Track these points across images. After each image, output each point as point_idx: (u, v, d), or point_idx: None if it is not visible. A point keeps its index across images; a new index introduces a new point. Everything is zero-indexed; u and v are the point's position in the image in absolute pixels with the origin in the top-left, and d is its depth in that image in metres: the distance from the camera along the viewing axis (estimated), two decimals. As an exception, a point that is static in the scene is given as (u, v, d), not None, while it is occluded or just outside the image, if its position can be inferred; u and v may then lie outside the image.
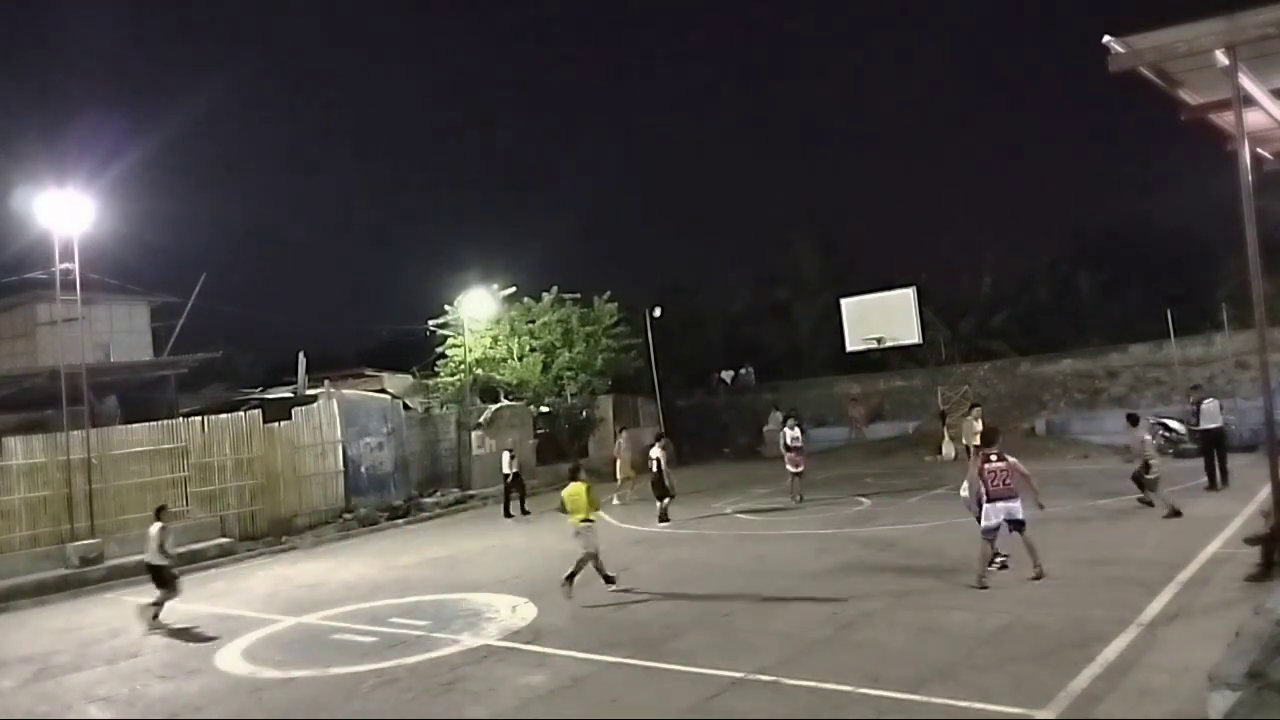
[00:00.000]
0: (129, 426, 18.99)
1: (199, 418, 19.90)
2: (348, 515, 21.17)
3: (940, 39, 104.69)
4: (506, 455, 21.56)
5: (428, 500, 23.25)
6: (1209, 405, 16.52)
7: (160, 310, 27.25)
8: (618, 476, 21.37)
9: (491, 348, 28.51)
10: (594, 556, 11.40)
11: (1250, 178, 9.02)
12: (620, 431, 23.22)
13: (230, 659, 10.09)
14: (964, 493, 11.40)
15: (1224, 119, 10.16)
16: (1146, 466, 14.08)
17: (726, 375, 39.96)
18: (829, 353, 33.24)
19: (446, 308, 28.46)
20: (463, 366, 27.81)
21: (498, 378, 28.51)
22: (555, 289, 29.36)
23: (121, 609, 13.75)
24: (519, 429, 27.18)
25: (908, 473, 22.16)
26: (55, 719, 8.71)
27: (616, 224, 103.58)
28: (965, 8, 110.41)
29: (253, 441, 20.13)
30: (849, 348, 28.17)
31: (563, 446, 28.40)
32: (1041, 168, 78.58)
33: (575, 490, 11.55)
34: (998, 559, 10.87)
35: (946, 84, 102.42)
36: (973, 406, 16.67)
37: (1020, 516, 10.23)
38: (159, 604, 12.00)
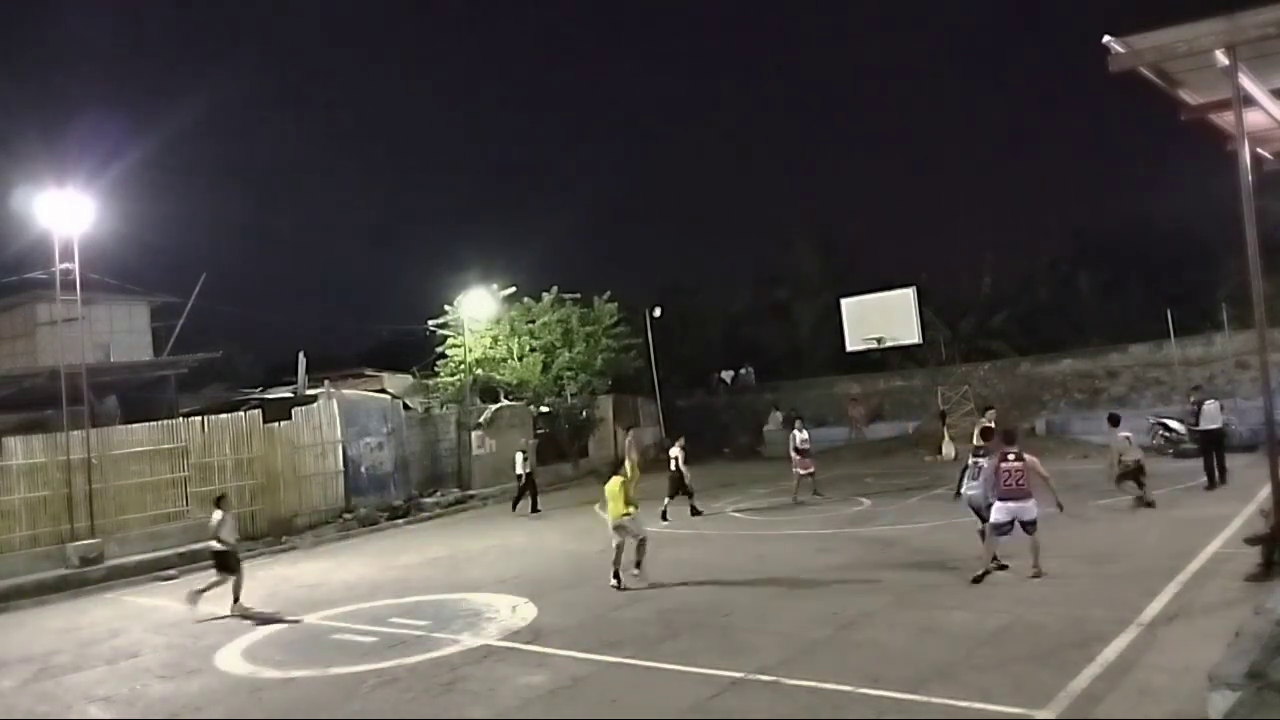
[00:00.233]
0: (129, 426, 18.99)
1: (199, 418, 19.90)
2: (348, 515, 21.17)
3: (940, 39, 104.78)
4: (520, 456, 21.78)
5: (428, 500, 23.26)
6: (1210, 406, 16.63)
7: (160, 310, 27.25)
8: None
9: (491, 348, 28.52)
10: (636, 540, 12.01)
11: (1250, 178, 9.03)
12: (628, 430, 23.38)
13: (230, 659, 10.08)
14: (966, 490, 11.45)
15: (1224, 119, 10.17)
16: (1140, 468, 14.49)
17: (726, 375, 39.97)
18: (829, 353, 33.24)
19: (446, 308, 28.47)
20: (463, 366, 27.81)
21: (498, 378, 28.51)
22: (555, 289, 29.40)
23: (121, 609, 13.79)
24: (519, 429, 27.19)
25: (908, 473, 22.16)
26: (55, 719, 8.71)
27: (616, 224, 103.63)
28: (965, 7, 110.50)
29: (253, 441, 20.13)
30: (849, 348, 28.17)
31: (563, 446, 28.42)
32: (1041, 168, 78.62)
33: (614, 485, 12.19)
34: (996, 560, 10.88)
35: (946, 84, 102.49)
36: (986, 409, 16.62)
37: (1031, 517, 10.23)
38: (210, 587, 12.56)
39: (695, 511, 17.73)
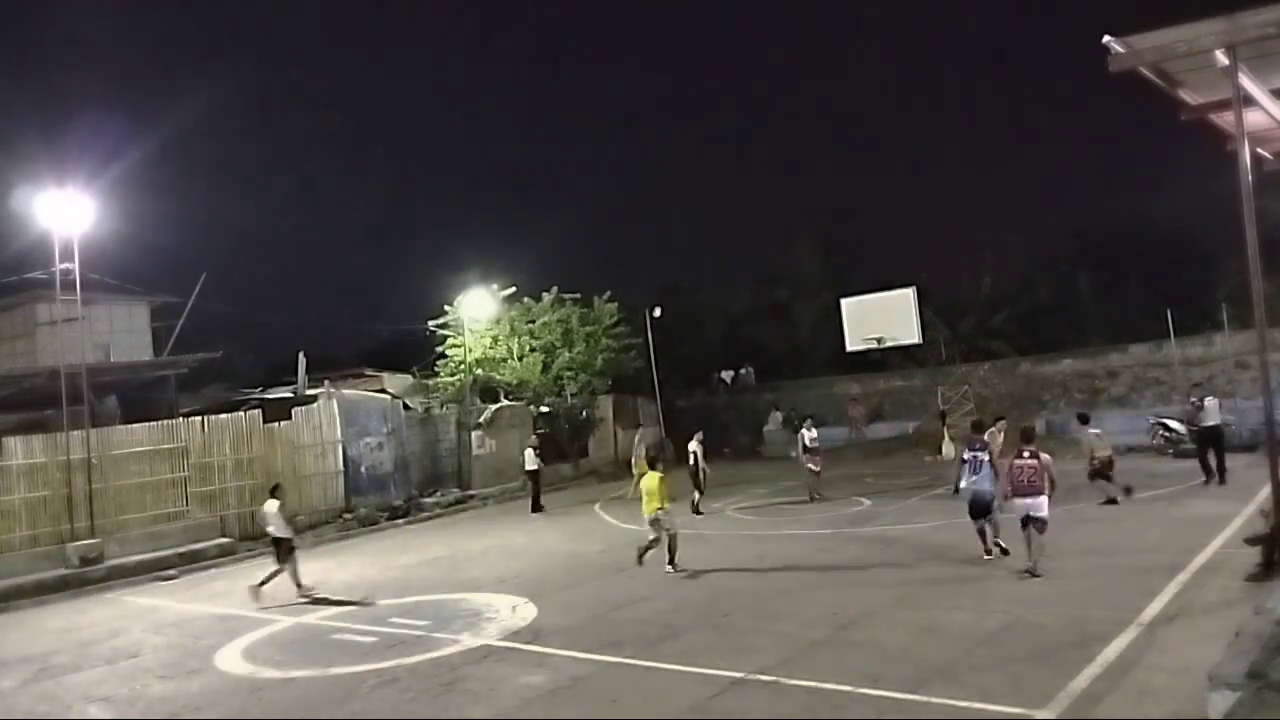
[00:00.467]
0: (129, 426, 18.98)
1: (199, 418, 19.89)
2: (348, 515, 21.17)
3: (940, 38, 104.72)
4: (530, 452, 22.01)
5: (428, 500, 23.26)
6: (1210, 403, 16.92)
7: (160, 310, 27.23)
8: (634, 473, 21.60)
9: (491, 348, 28.51)
10: (669, 536, 12.53)
11: (1250, 178, 9.04)
12: (638, 430, 23.82)
13: (230, 659, 10.09)
14: (965, 484, 11.59)
15: (1224, 119, 10.17)
16: (1110, 463, 15.15)
17: (726, 375, 39.95)
18: (829, 353, 33.22)
19: (446, 308, 28.45)
20: (463, 366, 27.81)
21: (498, 378, 28.51)
22: (555, 289, 29.37)
23: (121, 609, 13.79)
24: (519, 429, 27.19)
25: (908, 473, 22.17)
26: (55, 719, 8.71)
27: (616, 224, 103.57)
28: (965, 7, 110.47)
29: (253, 441, 20.13)
30: (849, 348, 28.16)
31: (563, 446, 28.41)
32: (1041, 168, 78.46)
33: (651, 479, 12.69)
34: (996, 549, 11.36)
35: (946, 84, 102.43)
36: (997, 419, 16.80)
37: (1042, 514, 10.42)
38: (270, 577, 12.91)
39: (695, 510, 17.82)
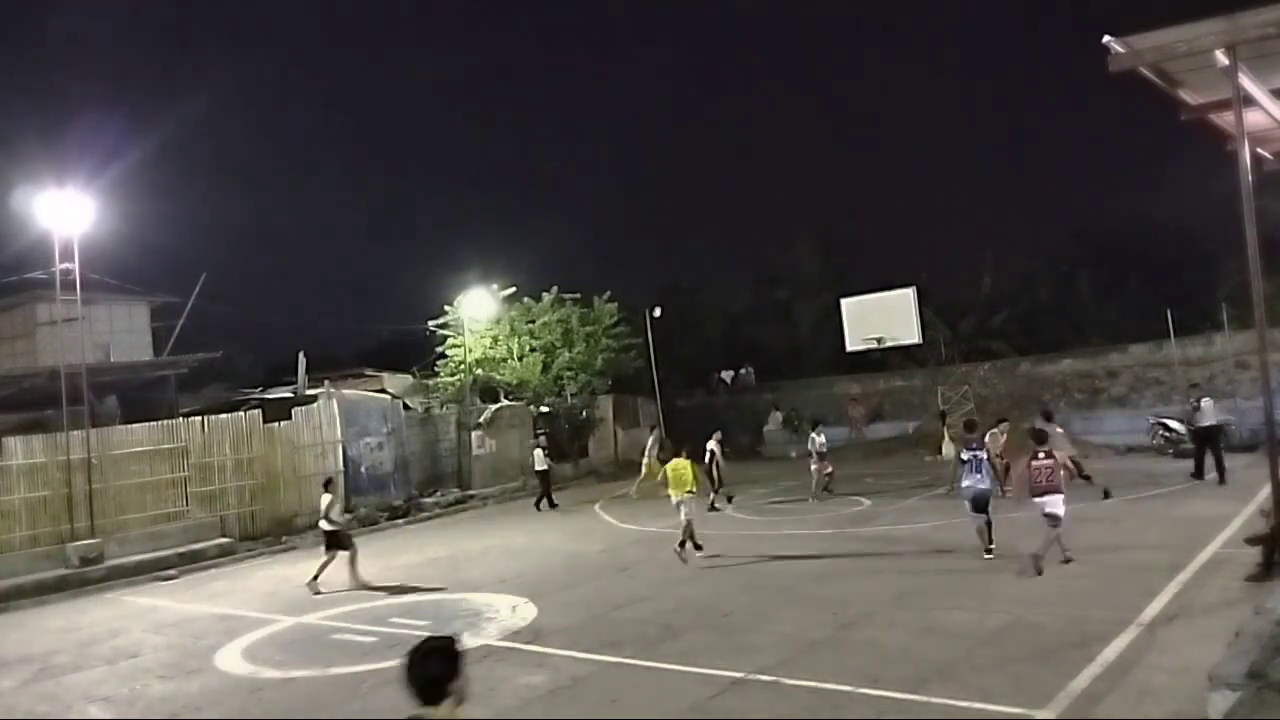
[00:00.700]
0: (129, 426, 18.98)
1: (199, 418, 19.89)
2: (348, 515, 21.14)
3: (940, 39, 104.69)
4: (540, 452, 22.18)
5: (428, 500, 23.26)
6: (1207, 403, 17.17)
7: (160, 310, 27.24)
8: (643, 466, 22.32)
9: (491, 348, 28.50)
10: (687, 520, 13.08)
11: (1250, 178, 9.03)
12: (651, 430, 24.06)
13: (230, 659, 10.09)
14: (965, 483, 11.75)
15: (1224, 119, 10.17)
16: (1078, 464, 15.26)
17: (726, 375, 39.92)
18: (829, 353, 33.20)
19: (446, 308, 28.44)
20: (463, 366, 27.80)
21: (498, 378, 28.50)
22: (555, 289, 29.35)
23: (121, 609, 13.78)
24: (519, 429, 27.20)
25: (908, 473, 22.17)
26: (55, 719, 8.71)
27: (617, 224, 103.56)
28: (966, 7, 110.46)
29: (253, 441, 20.12)
30: (849, 348, 28.16)
31: (563, 446, 28.40)
32: (1041, 168, 78.48)
33: (679, 466, 13.40)
34: (990, 548, 11.51)
35: (947, 84, 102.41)
36: (1000, 421, 17.03)
37: (1059, 512, 10.65)
38: (322, 568, 13.42)
39: (712, 507, 18.16)
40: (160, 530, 17.97)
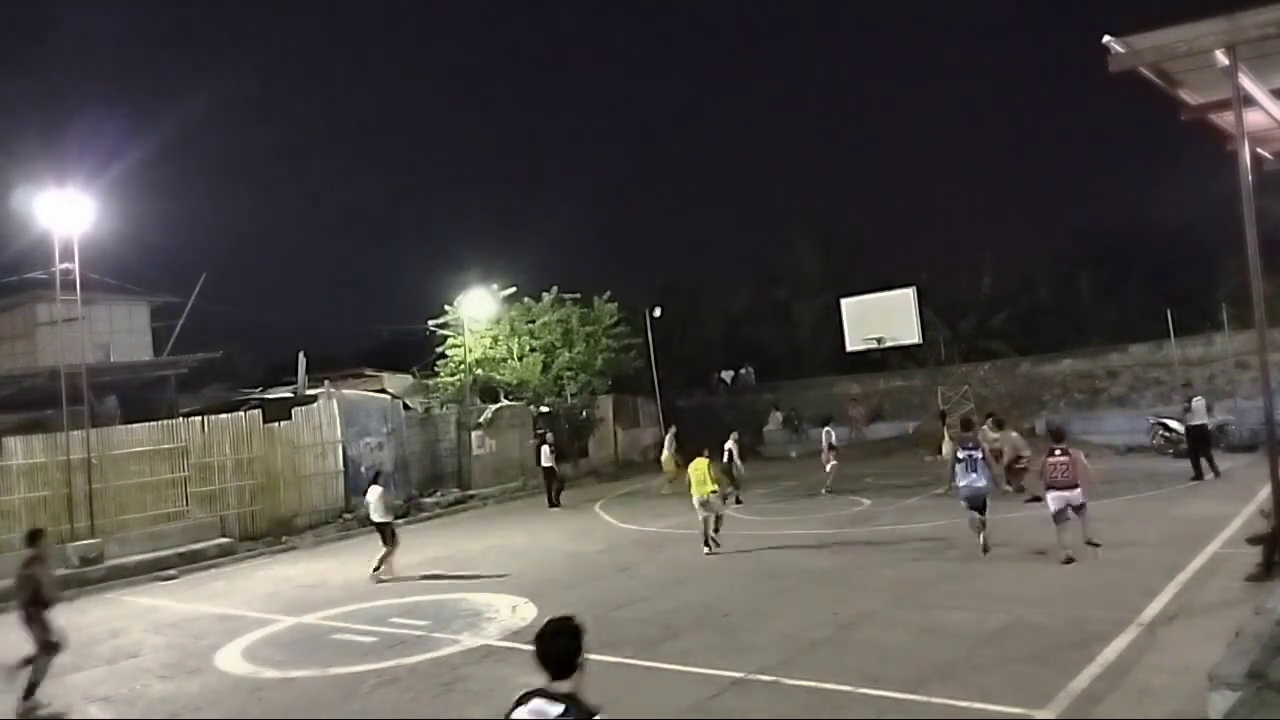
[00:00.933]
0: (129, 426, 18.98)
1: (199, 418, 19.89)
2: (348, 515, 21.14)
3: (940, 39, 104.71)
4: (546, 449, 22.29)
5: (428, 500, 23.25)
6: (1197, 403, 17.58)
7: (160, 310, 27.23)
8: (664, 470, 22.84)
9: (491, 348, 28.49)
10: (715, 518, 13.85)
11: (1250, 178, 9.03)
12: (669, 429, 24.66)
13: (230, 659, 10.09)
14: (962, 482, 11.92)
15: (1224, 119, 10.17)
16: (1018, 459, 16.30)
17: (726, 375, 39.93)
18: (829, 353, 33.19)
19: (446, 308, 28.43)
20: (463, 366, 27.80)
21: (498, 378, 28.49)
22: (555, 289, 29.34)
23: (121, 609, 13.78)
24: (519, 429, 27.20)
25: (908, 473, 22.16)
26: (55, 719, 8.71)
27: (616, 224, 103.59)
28: (966, 7, 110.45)
29: (253, 441, 20.12)
30: (849, 348, 28.15)
31: (563, 446, 28.38)
32: (1041, 168, 78.54)
33: (700, 465, 13.95)
34: (982, 539, 11.76)
35: (946, 83, 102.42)
36: (989, 416, 17.46)
37: (1080, 502, 11.06)
38: (385, 558, 14.12)
39: (737, 500, 18.86)
40: (160, 530, 17.96)
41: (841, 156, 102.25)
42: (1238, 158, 9.06)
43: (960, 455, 12.06)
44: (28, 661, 8.77)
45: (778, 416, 32.07)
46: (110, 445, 17.99)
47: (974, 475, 11.74)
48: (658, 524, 17.27)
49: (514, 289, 28.78)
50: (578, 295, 29.78)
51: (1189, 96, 9.94)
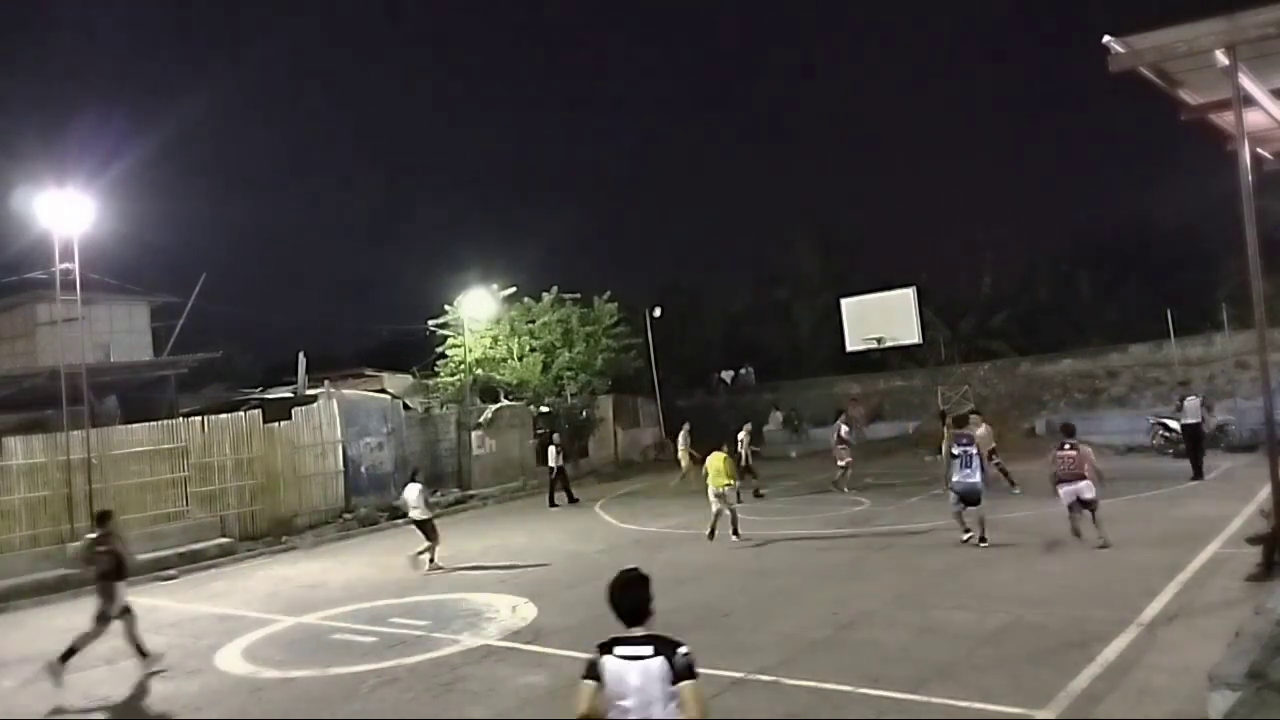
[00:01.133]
0: (129, 426, 18.97)
1: (199, 418, 19.87)
2: (348, 515, 21.15)
3: (940, 39, 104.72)
4: (552, 449, 22.35)
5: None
6: (1190, 402, 17.79)
7: (160, 310, 27.23)
8: (681, 465, 23.26)
9: (491, 348, 28.50)
10: (730, 510, 14.44)
11: (1250, 178, 9.03)
12: (684, 425, 24.95)
13: (230, 659, 10.08)
14: (959, 478, 12.28)
15: (1224, 119, 10.17)
16: (991, 454, 16.40)
17: (726, 375, 39.96)
18: (829, 353, 33.22)
19: (446, 308, 28.44)
20: (463, 366, 27.80)
21: (498, 378, 28.50)
22: (555, 289, 29.36)
23: (121, 609, 13.75)
24: (519, 429, 27.19)
25: (908, 473, 22.16)
26: (55, 719, 8.71)
27: (616, 224, 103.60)
28: (966, 8, 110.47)
29: (253, 441, 20.11)
30: (849, 348, 28.16)
31: (563, 447, 28.40)
32: (1041, 168, 78.52)
33: (717, 459, 14.53)
34: (967, 533, 12.24)
35: (946, 83, 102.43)
36: (972, 413, 17.57)
37: (1090, 496, 11.50)
38: (430, 551, 14.41)
39: (758, 493, 19.60)
40: (160, 530, 17.94)
41: (841, 156, 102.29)
42: (1238, 158, 9.06)
43: (955, 451, 12.45)
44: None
45: (778, 416, 32.08)
46: (110, 445, 17.99)
47: (967, 471, 12.19)
48: (658, 524, 17.27)
49: (514, 289, 28.80)
50: (578, 295, 29.81)
51: (1189, 96, 9.94)
